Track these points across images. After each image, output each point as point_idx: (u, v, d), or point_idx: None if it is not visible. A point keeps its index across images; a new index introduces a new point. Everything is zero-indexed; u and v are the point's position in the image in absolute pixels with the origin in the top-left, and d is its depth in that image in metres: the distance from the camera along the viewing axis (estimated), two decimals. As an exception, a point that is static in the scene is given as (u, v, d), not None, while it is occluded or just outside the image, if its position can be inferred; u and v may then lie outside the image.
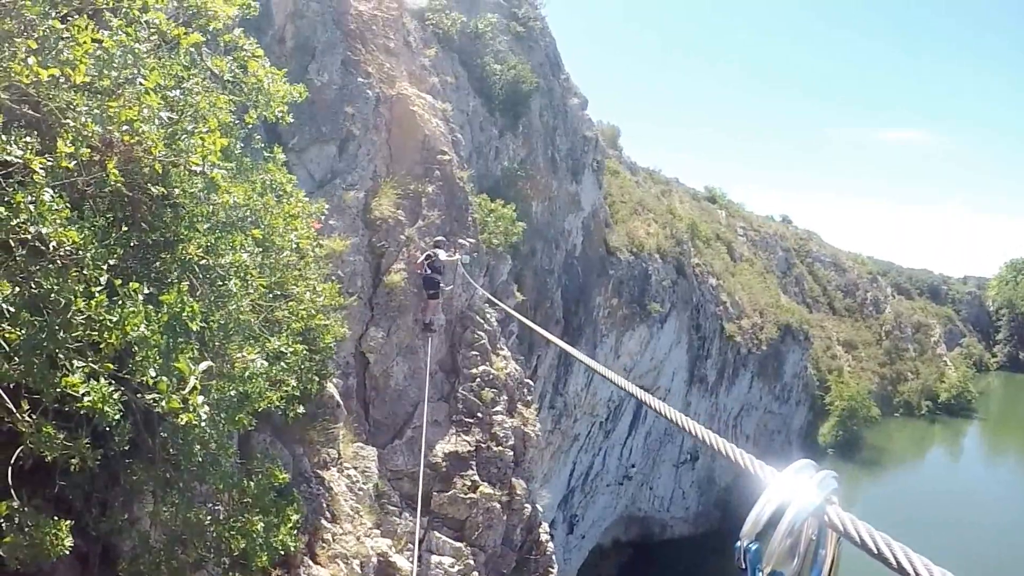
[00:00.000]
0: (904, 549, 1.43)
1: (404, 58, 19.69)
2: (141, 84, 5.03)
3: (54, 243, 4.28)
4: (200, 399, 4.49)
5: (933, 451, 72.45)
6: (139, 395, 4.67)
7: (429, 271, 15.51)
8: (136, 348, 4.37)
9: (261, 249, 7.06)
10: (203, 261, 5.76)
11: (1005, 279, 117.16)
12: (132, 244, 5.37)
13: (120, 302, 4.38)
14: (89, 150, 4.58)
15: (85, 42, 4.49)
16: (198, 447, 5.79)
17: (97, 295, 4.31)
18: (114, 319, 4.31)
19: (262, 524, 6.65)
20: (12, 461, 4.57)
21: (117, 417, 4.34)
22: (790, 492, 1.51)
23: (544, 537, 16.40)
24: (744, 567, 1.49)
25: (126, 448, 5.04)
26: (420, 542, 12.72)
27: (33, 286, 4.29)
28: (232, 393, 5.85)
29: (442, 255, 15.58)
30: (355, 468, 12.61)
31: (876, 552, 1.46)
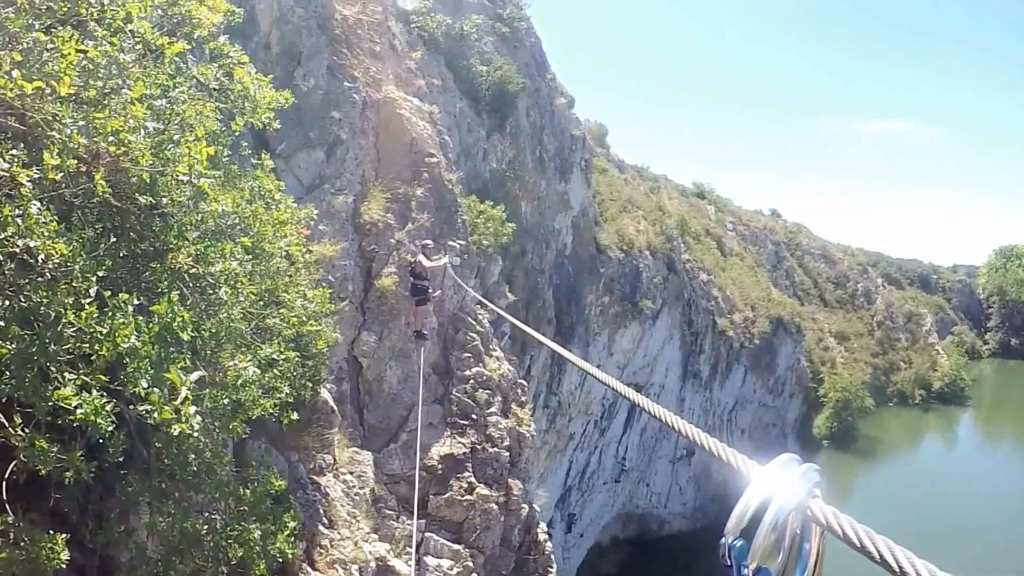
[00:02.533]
0: (887, 542, 1.42)
1: (390, 61, 19.68)
2: (126, 94, 5.02)
3: (43, 256, 4.26)
4: (192, 409, 4.48)
5: (928, 440, 72.71)
6: (132, 406, 4.65)
7: (412, 279, 15.36)
8: (127, 359, 4.35)
9: (251, 256, 7.05)
10: (193, 270, 5.74)
11: (995, 266, 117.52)
12: (121, 255, 5.35)
13: (110, 313, 4.36)
14: (75, 161, 4.56)
15: (69, 54, 4.47)
16: (193, 456, 5.78)
17: (87, 307, 4.30)
18: (105, 331, 4.29)
19: (259, 532, 6.64)
20: (6, 475, 4.54)
21: (110, 429, 4.32)
22: (773, 487, 1.51)
23: (542, 537, 16.41)
24: (729, 563, 1.49)
25: (120, 459, 5.03)
26: (418, 545, 12.73)
27: (23, 299, 4.27)
28: (225, 401, 5.84)
29: (424, 261, 15.28)
30: (351, 473, 12.59)
31: (859, 545, 1.46)
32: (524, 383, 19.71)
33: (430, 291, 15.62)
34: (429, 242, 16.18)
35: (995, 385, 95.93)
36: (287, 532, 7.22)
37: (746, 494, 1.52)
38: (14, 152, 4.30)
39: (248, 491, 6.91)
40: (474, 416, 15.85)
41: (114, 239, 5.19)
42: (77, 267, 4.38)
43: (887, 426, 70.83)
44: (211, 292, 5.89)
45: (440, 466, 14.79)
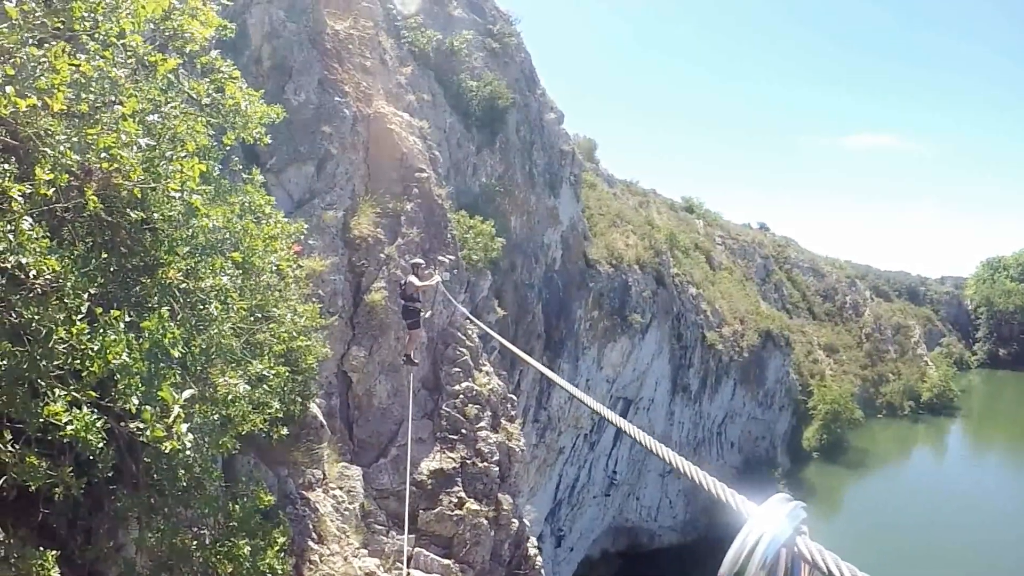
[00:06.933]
0: None
1: (381, 76, 19.74)
2: (119, 109, 5.03)
3: (34, 272, 4.25)
4: (184, 427, 4.47)
5: (917, 450, 72.90)
6: (122, 423, 4.65)
7: (403, 301, 14.59)
8: (118, 376, 4.35)
9: (241, 272, 7.04)
10: (184, 285, 5.74)
11: (982, 278, 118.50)
12: (112, 269, 5.35)
13: (101, 330, 4.35)
14: (67, 176, 4.57)
15: (62, 68, 4.48)
16: (182, 472, 5.76)
17: (78, 323, 4.29)
18: (96, 347, 4.28)
19: (249, 548, 6.61)
20: (-4, 492, 4.52)
21: (100, 445, 4.31)
22: (763, 526, 1.54)
23: (532, 551, 16.36)
24: None
25: (109, 475, 5.01)
26: (408, 560, 12.67)
27: (14, 315, 4.27)
28: (215, 417, 5.84)
29: (415, 281, 14.39)
30: (340, 488, 12.55)
31: None
32: (514, 398, 19.69)
33: (422, 313, 14.88)
34: (420, 261, 15.42)
35: (984, 395, 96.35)
36: (276, 548, 7.19)
37: (740, 535, 1.55)
38: (6, 166, 4.30)
39: (237, 506, 6.89)
40: (464, 431, 15.82)
41: (105, 254, 5.19)
42: (69, 283, 4.38)
43: (877, 438, 70.98)
44: (201, 307, 5.89)
45: (430, 481, 14.75)
